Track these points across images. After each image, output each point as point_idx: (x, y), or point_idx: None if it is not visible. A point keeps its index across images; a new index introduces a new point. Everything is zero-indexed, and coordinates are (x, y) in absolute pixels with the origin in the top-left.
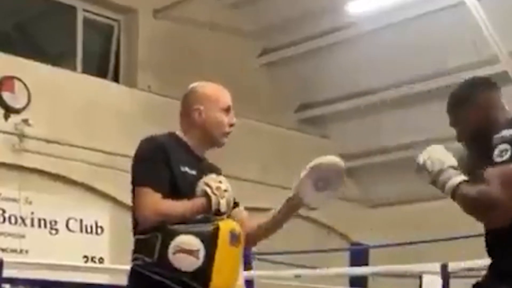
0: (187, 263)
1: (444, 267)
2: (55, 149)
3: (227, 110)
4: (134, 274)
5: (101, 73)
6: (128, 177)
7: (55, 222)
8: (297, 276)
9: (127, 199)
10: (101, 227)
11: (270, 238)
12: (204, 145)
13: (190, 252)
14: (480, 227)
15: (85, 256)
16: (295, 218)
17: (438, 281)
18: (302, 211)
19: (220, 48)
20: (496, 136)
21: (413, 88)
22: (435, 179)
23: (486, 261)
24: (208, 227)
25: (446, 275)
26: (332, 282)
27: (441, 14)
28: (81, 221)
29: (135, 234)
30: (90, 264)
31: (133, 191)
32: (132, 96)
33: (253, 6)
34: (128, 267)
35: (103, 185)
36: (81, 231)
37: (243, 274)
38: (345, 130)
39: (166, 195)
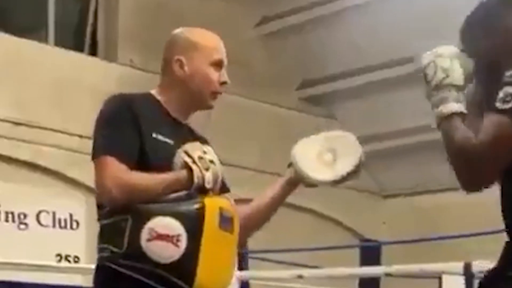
0: (165, 253)
1: (467, 267)
2: (24, 133)
3: (218, 64)
4: (100, 269)
5: (76, 46)
6: None
7: (24, 215)
8: (300, 277)
9: None
10: (76, 221)
11: (267, 234)
12: (185, 107)
13: (168, 238)
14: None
15: (58, 255)
16: (297, 211)
17: (461, 282)
18: (301, 199)
19: (212, 16)
20: (508, 74)
21: None
22: (431, 93)
23: None
24: (190, 206)
25: (469, 276)
26: (339, 284)
27: None
28: (53, 214)
29: (99, 219)
30: (64, 263)
31: (94, 163)
32: (112, 71)
33: None
34: None
35: (78, 174)
36: (54, 225)
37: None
38: (353, 110)
39: (133, 168)
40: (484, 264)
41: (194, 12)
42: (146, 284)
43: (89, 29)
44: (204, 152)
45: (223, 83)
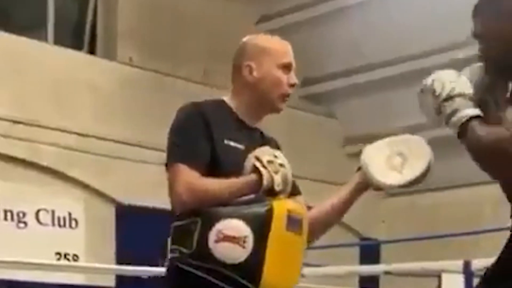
0: (232, 254)
1: (467, 265)
2: (22, 131)
3: (286, 67)
4: (170, 269)
5: (76, 44)
6: (106, 162)
7: (23, 214)
8: (301, 275)
9: (104, 188)
10: (75, 219)
11: None
12: (256, 111)
13: (235, 239)
14: (507, 220)
15: (58, 253)
16: None
17: (460, 280)
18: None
19: (212, 15)
20: None
21: (430, 61)
22: (441, 106)
23: None
24: (259, 208)
25: (469, 274)
26: (339, 282)
27: None
28: (52, 212)
29: (173, 221)
30: (63, 262)
31: (167, 170)
32: (111, 70)
33: None
34: (106, 265)
35: (77, 172)
36: (53, 224)
37: None
38: (353, 109)
39: (206, 174)
40: (483, 262)
41: (194, 11)
42: (214, 284)
43: (88, 28)
44: (275, 156)
45: (292, 85)
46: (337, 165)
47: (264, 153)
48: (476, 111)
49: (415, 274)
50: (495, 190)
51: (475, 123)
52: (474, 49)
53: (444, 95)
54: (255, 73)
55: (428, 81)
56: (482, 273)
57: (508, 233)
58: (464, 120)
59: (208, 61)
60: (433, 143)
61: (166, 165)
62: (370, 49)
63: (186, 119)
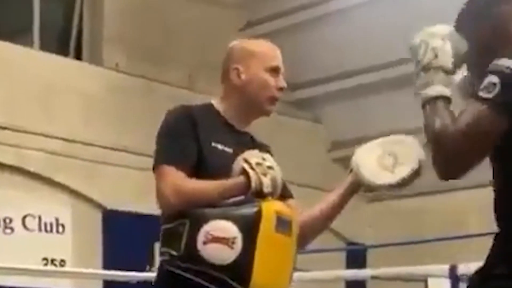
0: (221, 255)
1: (453, 269)
2: (9, 137)
3: (274, 70)
4: (160, 272)
5: (62, 50)
6: (93, 168)
7: (10, 219)
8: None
9: (91, 193)
10: (62, 225)
11: None
12: (244, 115)
13: (224, 240)
14: (493, 224)
15: (45, 259)
16: None
17: (446, 284)
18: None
19: (197, 21)
20: (494, 62)
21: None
22: (418, 73)
23: None
24: (247, 209)
25: (455, 278)
26: (326, 287)
27: None
28: (39, 218)
29: (161, 225)
30: (50, 267)
31: (154, 172)
32: (97, 75)
33: None
34: (93, 271)
35: (64, 177)
36: (40, 229)
37: None
38: (339, 114)
39: (192, 176)
40: (469, 267)
41: (180, 17)
42: (203, 286)
43: (74, 33)
44: (263, 159)
45: (281, 88)
46: (324, 170)
47: (253, 155)
48: (445, 91)
49: (402, 279)
50: (481, 194)
51: (438, 104)
52: None
53: (423, 63)
54: (242, 76)
55: (416, 39)
56: (468, 277)
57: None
58: (430, 97)
59: (194, 66)
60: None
61: (153, 168)
62: (355, 55)
63: (174, 121)
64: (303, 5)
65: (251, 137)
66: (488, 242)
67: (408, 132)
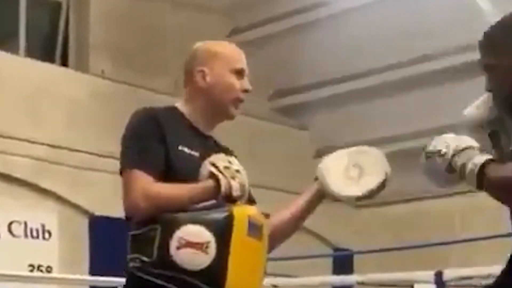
0: (195, 260)
1: (438, 275)
2: None
3: (239, 72)
4: (130, 279)
5: (48, 56)
6: (79, 174)
7: None
8: (274, 286)
9: (77, 199)
10: (48, 231)
11: None
12: (209, 118)
13: (197, 245)
14: (478, 230)
15: (31, 265)
16: None
17: None
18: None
19: (184, 27)
20: None
21: (402, 73)
22: (451, 161)
23: (485, 268)
24: (219, 214)
25: (441, 284)
26: None
27: None
28: (25, 224)
29: (129, 230)
30: (36, 273)
31: (122, 176)
32: (83, 82)
33: None
34: (79, 276)
35: (50, 184)
36: (26, 236)
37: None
38: (325, 121)
39: (160, 180)
40: (454, 273)
41: (165, 23)
42: None
43: (60, 40)
44: (230, 162)
45: (245, 90)
46: (309, 177)
47: (220, 159)
48: (487, 156)
49: (388, 285)
50: (466, 201)
51: (490, 166)
52: (441, 63)
53: (451, 151)
54: (208, 79)
55: (431, 146)
56: (453, 283)
57: (480, 244)
58: (479, 167)
59: (179, 72)
60: (405, 155)
61: (120, 172)
62: (341, 62)
63: (139, 124)
64: (289, 12)
65: (215, 141)
66: (474, 248)
67: (393, 140)
